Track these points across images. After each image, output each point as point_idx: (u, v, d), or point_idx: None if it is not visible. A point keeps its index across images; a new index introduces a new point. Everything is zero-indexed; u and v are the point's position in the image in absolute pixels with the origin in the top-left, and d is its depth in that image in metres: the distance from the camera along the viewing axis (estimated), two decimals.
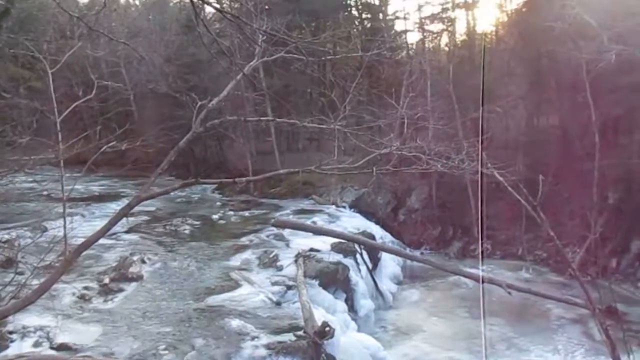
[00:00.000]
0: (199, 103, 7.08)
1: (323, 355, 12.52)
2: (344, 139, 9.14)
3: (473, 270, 18.68)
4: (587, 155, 22.32)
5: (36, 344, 12.24)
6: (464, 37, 37.68)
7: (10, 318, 12.35)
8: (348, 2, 41.57)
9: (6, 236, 17.55)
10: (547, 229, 6.40)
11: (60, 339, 12.38)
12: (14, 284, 9.77)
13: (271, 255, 18.12)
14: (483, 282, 15.44)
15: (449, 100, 25.77)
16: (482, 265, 23.60)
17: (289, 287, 15.66)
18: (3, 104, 12.43)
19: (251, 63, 7.90)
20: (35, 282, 8.04)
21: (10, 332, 12.54)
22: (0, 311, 6.74)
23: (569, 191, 23.22)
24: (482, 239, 26.01)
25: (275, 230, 20.99)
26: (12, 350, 11.75)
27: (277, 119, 11.50)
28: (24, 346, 12.06)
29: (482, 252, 24.61)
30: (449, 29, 38.43)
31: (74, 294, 14.70)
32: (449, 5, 35.76)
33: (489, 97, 25.52)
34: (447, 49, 40.90)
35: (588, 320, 17.80)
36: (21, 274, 10.04)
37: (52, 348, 12.10)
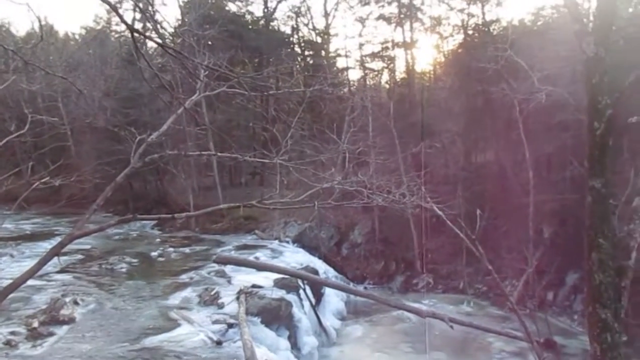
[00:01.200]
0: (138, 137, 6.89)
1: None
2: (287, 173, 9.09)
3: (416, 305, 18.82)
4: (523, 191, 23.09)
5: None
6: (404, 75, 38.75)
7: None
8: (291, 39, 42.21)
9: None
10: (485, 263, 6.49)
11: None
12: None
13: (212, 293, 17.68)
14: (426, 316, 15.63)
15: (390, 136, 26.28)
16: (425, 300, 23.82)
17: (231, 325, 15.25)
18: None
19: (193, 97, 7.80)
20: None
21: None
22: None
23: (507, 225, 23.88)
24: (423, 272, 26.33)
25: (216, 266, 20.59)
26: None
27: (219, 154, 11.33)
28: None
29: (425, 285, 24.89)
30: (389, 67, 39.53)
31: None
32: (389, 45, 36.85)
33: (428, 133, 26.23)
34: (387, 86, 42.01)
35: (527, 353, 18.12)
36: None
37: None
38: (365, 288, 25.89)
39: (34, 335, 14.45)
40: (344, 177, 7.43)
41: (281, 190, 8.23)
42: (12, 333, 14.23)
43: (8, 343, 13.77)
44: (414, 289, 26.26)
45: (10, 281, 7.11)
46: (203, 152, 15.15)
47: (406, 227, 26.45)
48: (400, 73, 40.16)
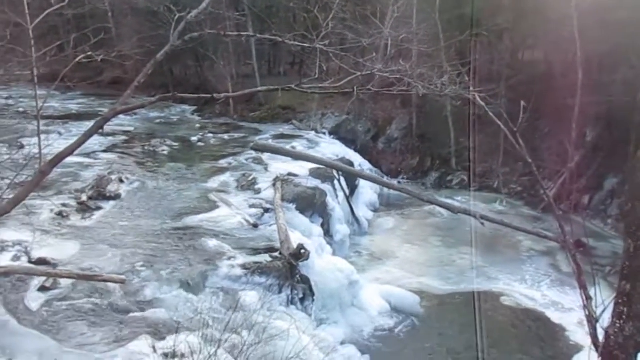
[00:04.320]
0: (177, 15, 6.84)
1: (297, 276, 12.82)
2: (326, 60, 8.99)
3: (448, 201, 19.03)
4: (570, 92, 22.29)
5: (14, 258, 12.33)
6: None
7: None
8: None
9: None
10: (525, 156, 6.44)
11: (38, 253, 12.48)
12: None
13: (249, 179, 18.20)
14: (458, 212, 15.81)
15: (434, 28, 25.29)
16: (458, 196, 24.01)
17: (266, 210, 15.82)
18: None
19: None
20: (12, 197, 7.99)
21: None
22: None
23: (549, 127, 23.35)
24: (458, 169, 26.34)
25: (254, 153, 20.98)
26: None
27: (259, 35, 11.16)
28: (2, 259, 12.14)
29: (471, 175, 24.83)
30: None
31: (52, 210, 14.72)
32: None
33: (475, 27, 25.10)
34: None
35: (556, 253, 18.42)
36: None
37: (30, 262, 12.21)
38: (399, 182, 26.12)
39: (83, 208, 15.35)
40: (386, 64, 7.29)
41: (320, 78, 8.19)
42: (64, 205, 15.12)
43: (60, 214, 14.68)
44: (447, 186, 26.38)
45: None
46: (242, 33, 14.92)
47: (444, 124, 26.15)
48: None
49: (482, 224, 14.62)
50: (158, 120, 30.02)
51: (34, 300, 10.91)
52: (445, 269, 18.04)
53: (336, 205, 19.03)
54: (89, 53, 6.59)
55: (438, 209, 20.31)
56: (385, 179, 24.43)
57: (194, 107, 33.69)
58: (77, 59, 6.55)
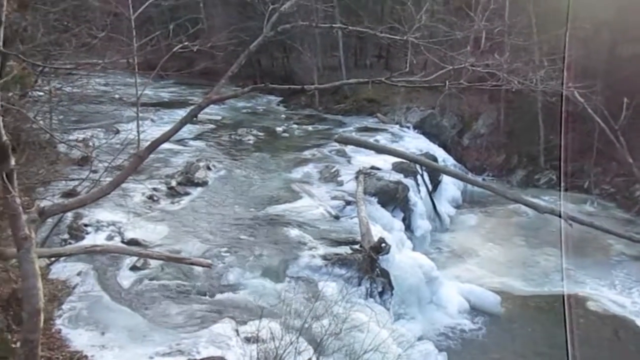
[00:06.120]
0: (271, 7, 6.94)
1: (377, 269, 12.78)
2: (415, 53, 8.83)
3: (535, 200, 18.30)
4: None
5: (108, 237, 13.10)
6: None
7: (86, 212, 13.24)
8: None
9: (82, 136, 18.36)
10: (625, 155, 6.06)
11: (131, 234, 13.19)
12: (89, 180, 10.35)
13: (332, 170, 18.30)
14: (544, 212, 15.16)
15: (528, 20, 24.27)
16: (545, 196, 23.05)
17: (348, 203, 15.87)
18: (78, 4, 12.65)
19: None
20: (109, 180, 8.44)
21: (86, 225, 13.47)
22: (80, 199, 7.20)
23: None
24: (547, 167, 25.27)
25: (337, 145, 21.06)
26: (87, 241, 12.65)
27: (350, 27, 11.15)
28: (97, 238, 12.92)
29: (560, 173, 23.80)
30: None
31: (143, 194, 15.48)
32: None
33: (570, 20, 23.81)
34: None
35: None
36: (95, 172, 10.55)
37: (122, 242, 12.92)
38: (484, 179, 25.37)
39: (173, 193, 16.05)
40: (478, 58, 7.05)
41: (409, 70, 8.08)
42: (155, 189, 15.85)
43: (151, 198, 15.41)
44: (534, 184, 25.35)
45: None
46: (334, 25, 14.96)
47: (533, 120, 25.09)
48: None
49: (570, 225, 13.98)
50: (245, 110, 30.73)
51: (126, 278, 11.54)
52: (529, 269, 17.40)
53: (418, 200, 18.78)
54: (185, 44, 6.82)
55: (523, 208, 19.54)
56: (470, 176, 23.81)
57: (280, 98, 34.21)
58: (174, 49, 6.80)
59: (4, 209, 5.51)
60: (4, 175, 4.56)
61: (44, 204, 7.44)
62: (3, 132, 4.48)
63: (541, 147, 25.40)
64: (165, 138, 6.65)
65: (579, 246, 17.99)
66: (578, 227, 15.18)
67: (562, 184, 24.51)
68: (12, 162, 4.67)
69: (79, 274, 11.41)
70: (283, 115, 30.25)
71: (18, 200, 4.78)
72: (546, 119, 24.21)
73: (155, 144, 6.52)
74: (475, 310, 14.98)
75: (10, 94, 7.96)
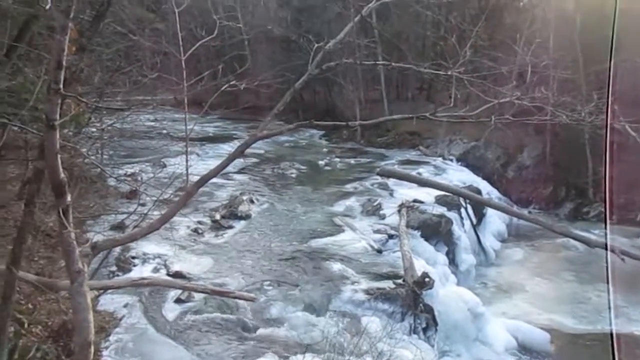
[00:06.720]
0: (316, 45, 7.10)
1: (421, 305, 12.58)
2: (457, 87, 8.84)
3: (584, 234, 17.77)
4: None
5: (154, 270, 13.33)
6: None
7: (134, 245, 13.51)
8: None
9: (130, 170, 18.87)
10: None
11: (176, 267, 13.40)
12: (137, 213, 10.60)
13: (374, 204, 18.27)
14: (595, 246, 14.69)
15: (573, 51, 24.00)
16: (595, 229, 22.36)
17: (391, 236, 15.78)
18: (130, 44, 13.22)
19: (369, 5, 7.75)
20: (156, 213, 8.64)
21: (133, 257, 13.75)
22: (130, 234, 7.38)
23: None
24: (596, 200, 24.59)
25: (379, 179, 21.05)
26: (134, 273, 12.91)
27: (393, 63, 11.28)
28: (144, 270, 13.17)
29: (608, 206, 23.13)
30: None
31: (188, 227, 15.74)
32: None
33: (619, 49, 23.41)
34: None
35: None
36: (143, 205, 10.82)
37: (168, 274, 13.13)
38: (530, 212, 24.85)
39: (217, 226, 16.29)
40: (524, 92, 7.01)
41: (450, 105, 8.09)
42: (199, 222, 16.11)
43: (196, 230, 15.67)
44: (583, 217, 24.66)
45: (198, 176, 7.96)
46: (378, 62, 15.14)
47: (580, 152, 24.55)
48: None
49: (623, 259, 13.45)
50: (287, 144, 31.12)
51: (171, 310, 11.68)
52: (579, 306, 16.82)
53: (462, 233, 18.53)
54: (233, 82, 7.04)
55: (572, 241, 19.00)
56: (515, 209, 23.36)
57: (322, 132, 34.50)
58: (223, 88, 7.02)
59: (59, 243, 5.70)
60: (61, 211, 4.75)
61: (96, 237, 7.66)
62: (61, 169, 4.68)
63: (589, 179, 24.79)
64: (213, 174, 6.81)
65: (632, 282, 17.31)
66: (631, 262, 14.62)
67: (611, 217, 23.76)
68: (68, 198, 4.86)
69: (125, 305, 11.60)
70: (325, 149, 30.47)
71: (73, 235, 4.95)
72: (594, 150, 23.69)
73: (204, 180, 6.68)
74: (523, 348, 14.53)
75: (66, 130, 8.30)
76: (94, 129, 14.21)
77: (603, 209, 24.23)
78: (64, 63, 4.18)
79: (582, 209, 25.12)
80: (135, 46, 14.09)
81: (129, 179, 15.60)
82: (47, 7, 4.21)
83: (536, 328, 15.20)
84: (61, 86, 4.33)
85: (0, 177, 11.10)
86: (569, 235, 15.93)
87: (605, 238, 18.61)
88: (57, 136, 4.60)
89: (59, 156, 4.65)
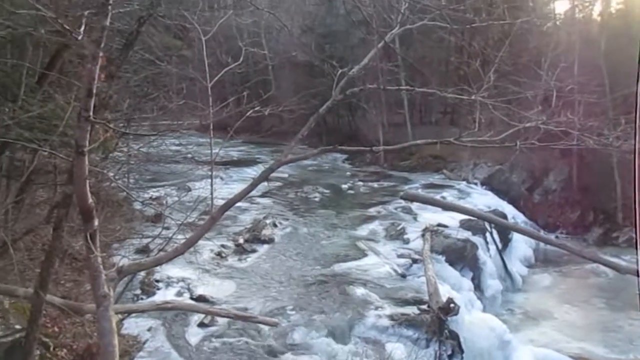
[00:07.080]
0: (340, 71, 7.16)
1: (446, 331, 12.42)
2: (482, 111, 8.81)
3: (614, 259, 17.40)
4: None
5: (178, 294, 13.39)
6: (621, 5, 34.25)
7: (158, 268, 13.60)
8: None
9: (156, 194, 19.08)
10: None
11: (199, 290, 13.44)
12: (161, 237, 10.69)
13: (398, 228, 18.17)
14: (625, 272, 14.36)
15: (599, 74, 23.79)
16: (625, 255, 21.88)
17: (415, 261, 15.65)
18: (157, 71, 13.47)
19: (393, 31, 7.80)
20: (181, 237, 8.70)
21: (157, 281, 13.84)
22: (156, 259, 7.46)
23: None
24: (626, 225, 24.09)
25: (403, 202, 20.95)
26: (158, 296, 12.97)
27: (417, 89, 11.32)
28: (167, 294, 13.23)
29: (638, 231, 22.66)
30: None
31: (212, 250, 15.80)
32: None
33: None
34: (599, 19, 37.57)
35: None
36: (167, 228, 10.91)
37: (191, 298, 13.16)
38: (557, 237, 24.48)
39: (240, 250, 16.33)
40: (549, 116, 6.96)
41: (475, 129, 8.07)
42: (223, 246, 16.18)
43: (219, 254, 15.74)
44: (612, 243, 24.20)
45: (224, 200, 8.02)
46: (401, 87, 15.18)
47: (608, 176, 24.17)
48: (616, 4, 35.62)
49: None
50: (311, 167, 31.19)
51: (194, 335, 11.69)
52: (610, 334, 16.42)
53: (487, 258, 18.30)
54: (258, 108, 7.13)
55: (602, 267, 18.63)
56: (542, 233, 23.03)
57: (345, 155, 34.57)
58: (248, 113, 7.12)
59: (86, 267, 5.76)
60: (88, 236, 4.82)
61: (122, 261, 7.73)
62: (89, 195, 4.77)
63: (618, 203, 24.37)
64: (238, 199, 6.86)
65: None
66: None
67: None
68: (96, 222, 4.93)
69: (149, 329, 11.65)
70: (348, 172, 30.50)
71: (99, 260, 5.01)
72: (623, 174, 23.31)
73: (228, 205, 6.73)
74: None
75: (93, 155, 8.45)
76: (120, 154, 14.43)
77: (633, 234, 23.73)
78: (94, 91, 4.28)
79: (611, 234, 24.67)
80: (163, 72, 14.33)
81: (154, 202, 15.79)
82: (80, 37, 4.33)
83: (565, 357, 14.85)
84: (91, 113, 4.43)
85: (30, 201, 11.30)
86: (599, 261, 15.63)
87: (637, 264, 18.22)
88: (86, 162, 4.70)
89: (87, 182, 4.74)
